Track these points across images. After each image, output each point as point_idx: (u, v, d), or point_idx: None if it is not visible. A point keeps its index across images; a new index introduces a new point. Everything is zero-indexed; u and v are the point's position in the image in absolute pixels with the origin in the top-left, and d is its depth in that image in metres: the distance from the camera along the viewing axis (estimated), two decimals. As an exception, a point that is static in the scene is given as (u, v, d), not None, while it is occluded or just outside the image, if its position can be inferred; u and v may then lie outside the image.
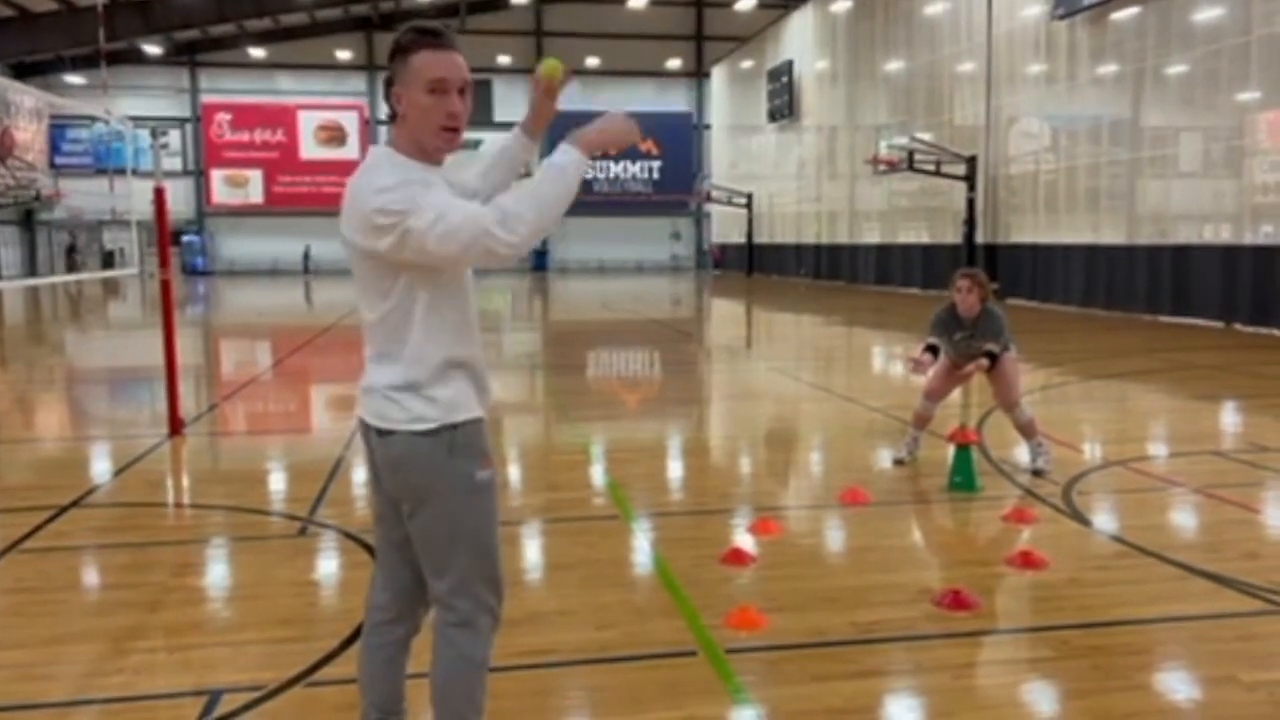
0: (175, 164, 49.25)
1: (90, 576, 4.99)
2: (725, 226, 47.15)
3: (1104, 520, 5.65)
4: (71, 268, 42.47)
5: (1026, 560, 4.73)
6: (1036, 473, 6.52)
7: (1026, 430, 6.70)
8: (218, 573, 4.96)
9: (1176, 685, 3.57)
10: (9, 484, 6.86)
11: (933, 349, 6.67)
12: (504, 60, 51.73)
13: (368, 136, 51.91)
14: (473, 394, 2.60)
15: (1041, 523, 5.50)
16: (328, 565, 5.02)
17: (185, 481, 7.07)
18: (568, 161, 2.46)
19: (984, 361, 6.43)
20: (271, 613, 4.26)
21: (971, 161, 24.45)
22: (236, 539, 5.44)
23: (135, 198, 14.10)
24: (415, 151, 2.50)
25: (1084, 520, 5.58)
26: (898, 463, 6.91)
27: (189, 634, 4.05)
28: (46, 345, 18.07)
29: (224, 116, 50.98)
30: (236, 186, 51.49)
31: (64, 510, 5.95)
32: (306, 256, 50.67)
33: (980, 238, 24.26)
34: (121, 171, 38.18)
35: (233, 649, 3.89)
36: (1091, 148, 21.35)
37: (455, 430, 2.53)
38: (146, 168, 10.24)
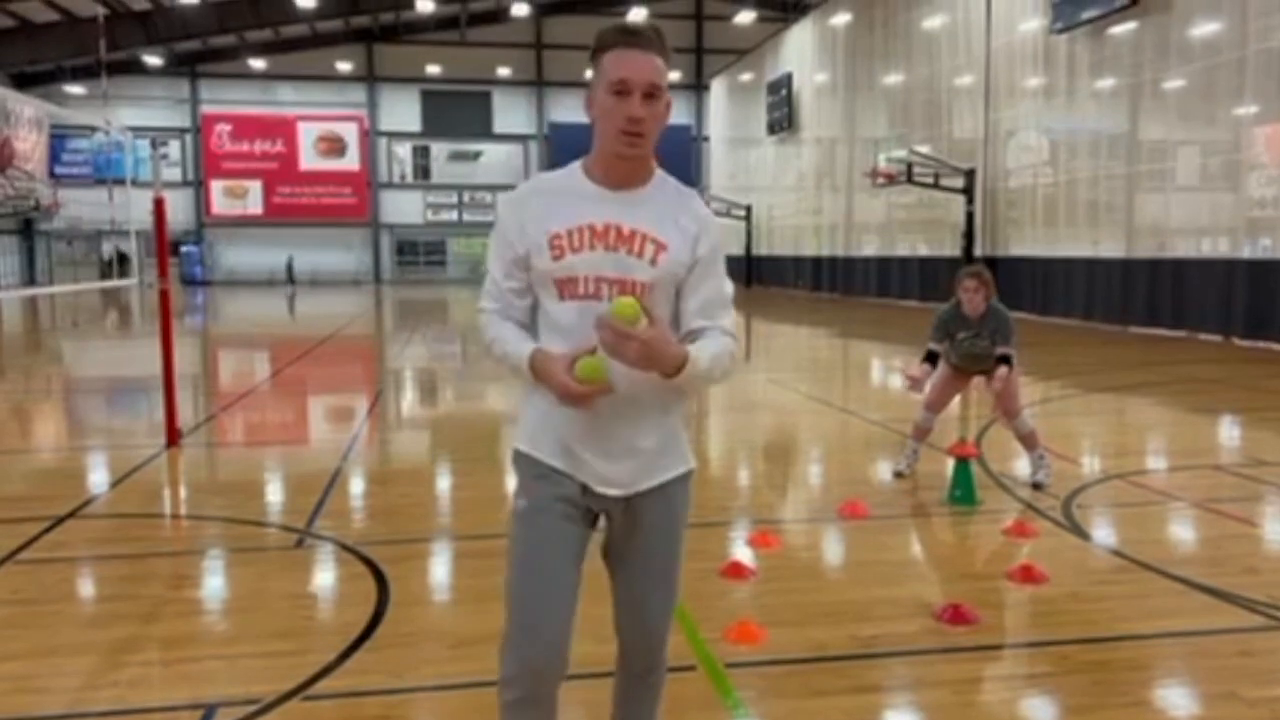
0: (175, 174, 49.33)
1: (86, 588, 4.96)
2: (724, 238, 46.91)
3: (1104, 534, 5.64)
4: (112, 275, 42.21)
5: (1027, 575, 4.72)
6: (1036, 486, 6.51)
7: (1028, 441, 6.67)
8: (214, 585, 4.94)
9: (1177, 701, 3.55)
10: (5, 494, 6.83)
11: (931, 358, 6.64)
12: (504, 72, 51.89)
13: (367, 148, 52.03)
14: (536, 427, 2.46)
15: (1042, 537, 5.48)
16: (325, 577, 4.99)
17: (182, 492, 7.05)
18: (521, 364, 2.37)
19: (1003, 370, 6.35)
20: (268, 625, 4.24)
21: (970, 174, 24.48)
22: (233, 550, 5.42)
23: (134, 208, 14.11)
24: (599, 160, 2.36)
25: (1084, 534, 5.56)
26: (898, 475, 6.89)
27: (185, 646, 4.03)
28: (44, 354, 18.05)
29: (224, 127, 51.07)
30: (236, 197, 51.54)
31: (60, 521, 5.92)
32: (290, 268, 50.58)
33: (979, 250, 24.27)
34: (121, 182, 38.20)
35: (229, 662, 3.87)
36: (1090, 161, 21.38)
37: (516, 456, 2.53)
38: (146, 178, 10.23)
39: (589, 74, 2.38)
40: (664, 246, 2.33)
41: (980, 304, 6.40)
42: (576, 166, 2.42)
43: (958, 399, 7.60)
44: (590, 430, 2.36)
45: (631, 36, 2.29)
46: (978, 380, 6.92)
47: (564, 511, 2.43)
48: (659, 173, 2.42)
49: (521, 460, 2.49)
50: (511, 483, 6.77)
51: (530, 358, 2.32)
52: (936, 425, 7.04)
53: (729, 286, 2.45)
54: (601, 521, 2.53)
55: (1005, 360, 6.37)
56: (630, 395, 2.31)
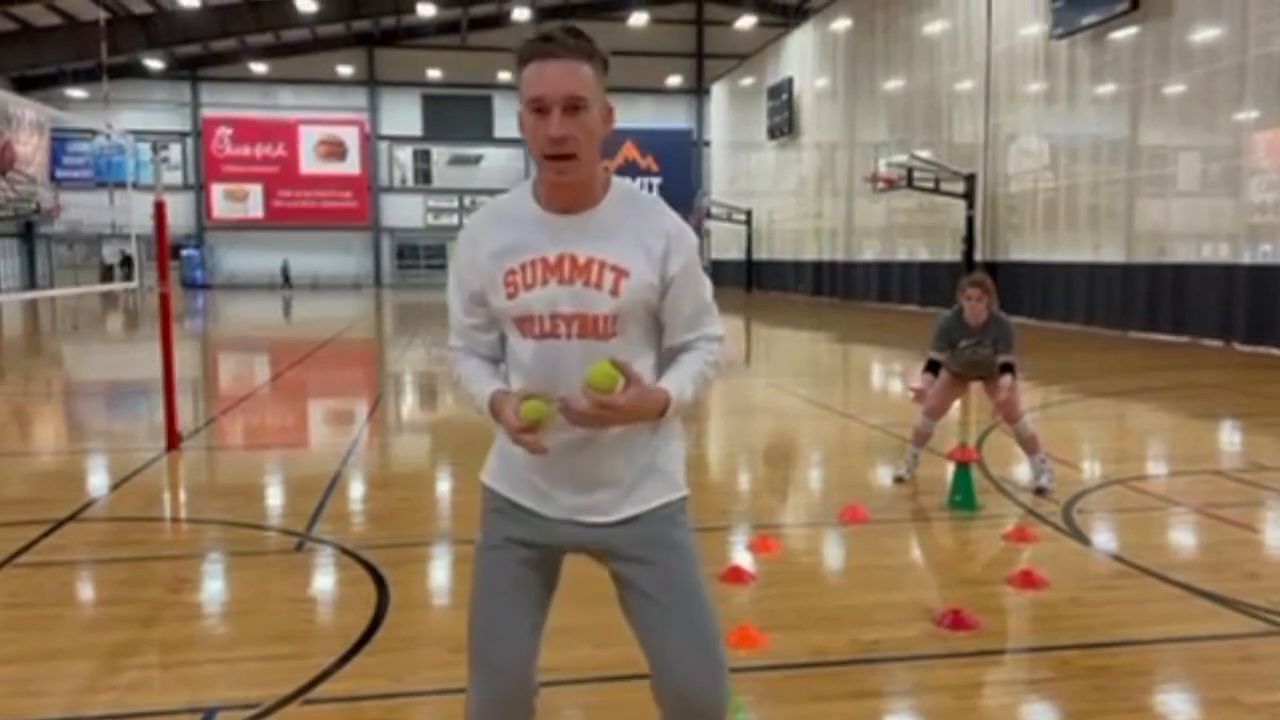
0: (176, 178, 49.37)
1: (85, 591, 4.96)
2: (725, 243, 47.21)
3: (1104, 539, 5.63)
4: (126, 277, 42.20)
5: (1027, 580, 4.71)
6: (1039, 491, 6.50)
7: (1029, 446, 6.66)
8: (214, 588, 4.94)
9: (1178, 707, 3.54)
10: (5, 497, 6.83)
11: (933, 367, 6.65)
12: (505, 76, 51.87)
13: (368, 152, 52.08)
14: (500, 460, 2.38)
15: (1042, 542, 5.48)
16: (325, 581, 4.99)
17: (182, 496, 7.05)
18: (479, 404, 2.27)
19: (1007, 379, 6.34)
20: (267, 629, 4.23)
21: (970, 179, 24.50)
22: (233, 554, 5.42)
23: (135, 211, 14.13)
24: (541, 183, 2.19)
25: (1084, 539, 5.56)
26: (898, 480, 6.89)
27: (184, 650, 4.03)
28: (45, 357, 18.05)
29: (225, 131, 51.12)
30: (236, 201, 51.58)
31: (60, 524, 5.92)
32: (285, 271, 50.63)
33: (979, 255, 24.29)
34: (122, 185, 38.25)
35: (228, 665, 3.87)
36: (1090, 166, 21.39)
37: (481, 488, 2.45)
38: (147, 181, 10.24)
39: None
40: (625, 273, 2.14)
41: (982, 312, 6.39)
42: (526, 189, 2.23)
43: (957, 404, 7.59)
44: (555, 462, 2.21)
45: (544, 45, 2.09)
46: (977, 385, 6.92)
47: (520, 553, 2.30)
48: (616, 185, 2.22)
49: (484, 493, 2.40)
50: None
51: (490, 398, 2.22)
52: (936, 430, 7.04)
53: (708, 291, 2.29)
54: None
55: (1008, 369, 6.36)
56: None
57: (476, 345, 2.34)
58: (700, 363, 2.24)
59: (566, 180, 2.11)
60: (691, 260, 2.23)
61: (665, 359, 2.30)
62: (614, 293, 2.14)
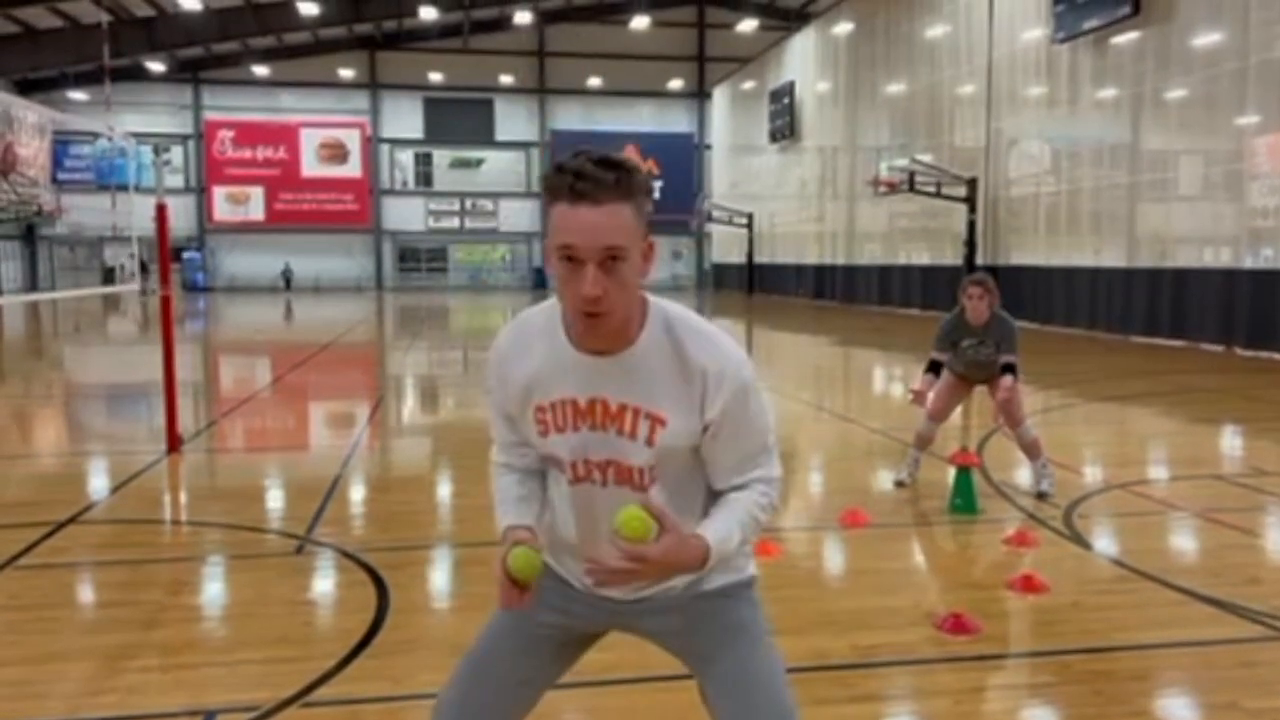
0: (177, 181, 49.37)
1: (85, 594, 4.96)
2: (726, 246, 47.22)
3: (1105, 544, 5.63)
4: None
5: (1028, 584, 4.71)
6: (1040, 495, 6.49)
7: (1031, 450, 6.65)
8: (214, 591, 4.94)
9: (1179, 712, 3.54)
10: (5, 499, 6.83)
11: (935, 368, 6.63)
12: (506, 80, 51.98)
13: (369, 154, 52.11)
14: (548, 539, 2.16)
15: (1043, 546, 5.47)
16: (324, 584, 4.99)
17: (182, 498, 7.05)
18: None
19: (1008, 379, 6.32)
20: (267, 632, 4.23)
21: (972, 183, 24.50)
22: (233, 557, 5.41)
23: (137, 214, 14.13)
24: (571, 322, 1.92)
25: (1085, 544, 5.55)
26: (899, 484, 6.88)
27: (184, 653, 4.02)
28: (46, 360, 18.06)
29: (226, 133, 51.14)
30: (238, 203, 51.60)
31: (60, 526, 5.92)
32: (287, 274, 50.70)
33: (981, 259, 24.29)
34: (124, 188, 38.22)
35: (228, 668, 3.87)
36: (1092, 170, 21.40)
37: None
38: (148, 184, 10.24)
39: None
40: (661, 421, 1.92)
41: (984, 312, 6.38)
42: (556, 317, 1.97)
43: (959, 408, 7.58)
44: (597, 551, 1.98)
45: (576, 183, 1.76)
46: (980, 389, 6.91)
47: (548, 620, 2.15)
48: (654, 315, 1.93)
49: None
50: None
51: (502, 535, 2.03)
52: (938, 434, 7.03)
53: (762, 431, 2.02)
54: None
55: (1009, 369, 6.35)
56: None
57: (519, 461, 2.14)
58: (750, 504, 2.00)
59: (600, 332, 1.86)
60: (737, 401, 1.94)
61: (712, 499, 2.08)
62: (649, 443, 1.94)
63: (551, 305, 1.99)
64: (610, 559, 1.81)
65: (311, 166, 51.85)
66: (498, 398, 2.07)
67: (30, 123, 39.25)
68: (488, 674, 2.15)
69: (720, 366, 1.92)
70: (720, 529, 1.93)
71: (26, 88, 44.52)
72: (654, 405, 1.92)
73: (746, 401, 1.96)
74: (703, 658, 2.11)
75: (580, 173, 1.76)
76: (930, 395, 6.65)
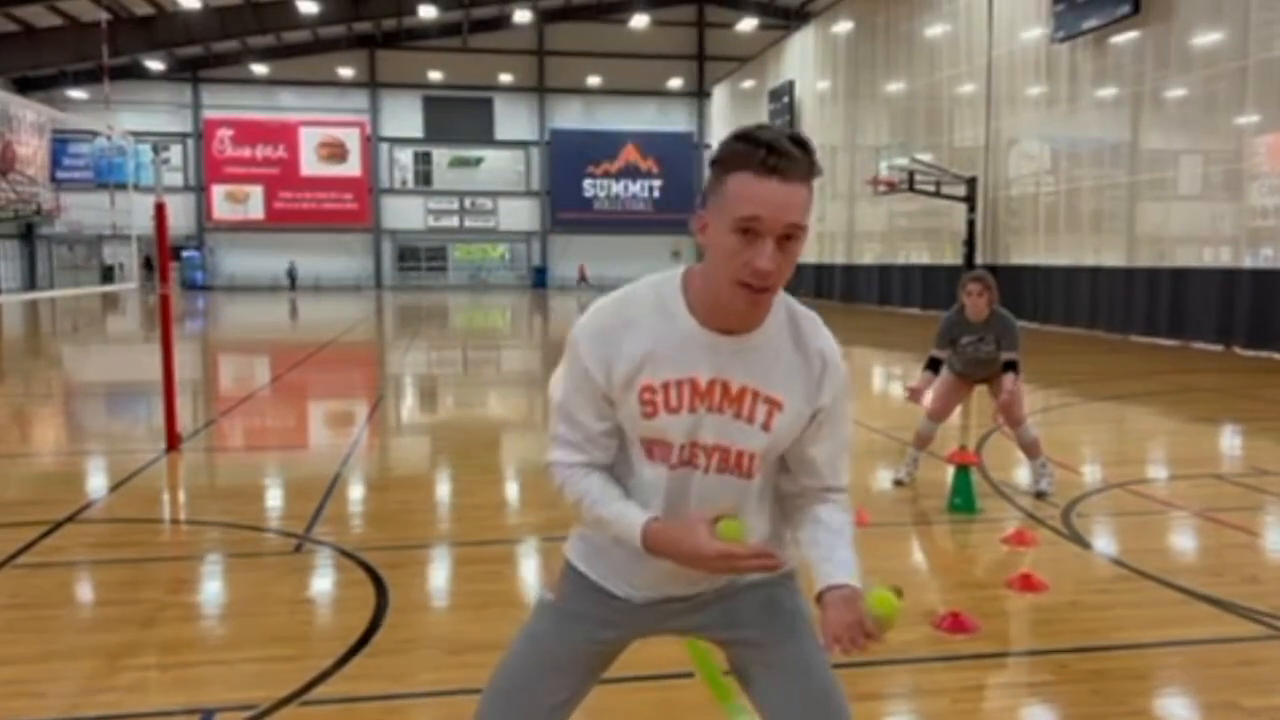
0: (176, 179, 49.41)
1: (84, 592, 4.95)
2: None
3: (1104, 543, 5.63)
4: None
5: (1026, 583, 4.71)
6: (1039, 495, 6.49)
7: (1030, 449, 6.64)
8: (212, 590, 4.93)
9: (1177, 711, 3.54)
10: (4, 498, 6.82)
11: (934, 365, 6.63)
12: (506, 79, 51.99)
13: (369, 153, 52.12)
14: (589, 550, 2.12)
15: (1041, 545, 5.47)
16: (323, 583, 4.99)
17: (181, 497, 7.04)
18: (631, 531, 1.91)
19: (1010, 379, 6.31)
20: (266, 630, 4.23)
21: (971, 183, 24.50)
22: (232, 556, 5.41)
23: (136, 213, 14.13)
24: (704, 297, 1.87)
25: (1084, 543, 5.55)
26: (897, 483, 6.88)
27: (183, 651, 4.02)
28: (44, 358, 18.05)
29: (225, 132, 51.16)
30: (237, 202, 51.62)
31: (59, 525, 5.92)
32: (292, 274, 50.71)
33: (980, 259, 24.29)
34: (122, 186, 38.23)
35: (227, 667, 3.86)
36: (1091, 170, 21.41)
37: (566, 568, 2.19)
38: (147, 183, 10.24)
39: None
40: (779, 405, 1.89)
41: (984, 308, 6.37)
42: (677, 290, 1.90)
43: (958, 408, 7.58)
44: (663, 576, 1.99)
45: (774, 158, 1.72)
46: (979, 389, 6.91)
47: (587, 633, 2.10)
48: (778, 302, 1.91)
49: (568, 569, 2.16)
50: (513, 489, 6.77)
51: (644, 531, 1.88)
52: (937, 433, 7.03)
53: (850, 431, 2.05)
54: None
55: (1011, 367, 6.35)
56: None
57: (599, 456, 1.99)
58: (849, 529, 2.01)
59: (758, 312, 1.84)
60: (843, 392, 1.97)
61: (784, 506, 2.07)
62: (765, 428, 1.90)
63: (661, 281, 1.94)
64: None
65: (311, 165, 51.88)
66: (596, 378, 1.90)
67: (29, 121, 39.26)
68: (524, 706, 2.08)
69: (833, 353, 1.95)
70: (850, 566, 1.97)
71: (25, 86, 44.51)
72: (772, 389, 1.89)
73: (847, 396, 1.99)
74: (754, 645, 2.08)
75: (774, 147, 1.73)
76: (928, 394, 6.65)
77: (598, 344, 1.90)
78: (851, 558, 1.96)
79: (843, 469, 2.03)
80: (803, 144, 1.76)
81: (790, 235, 1.75)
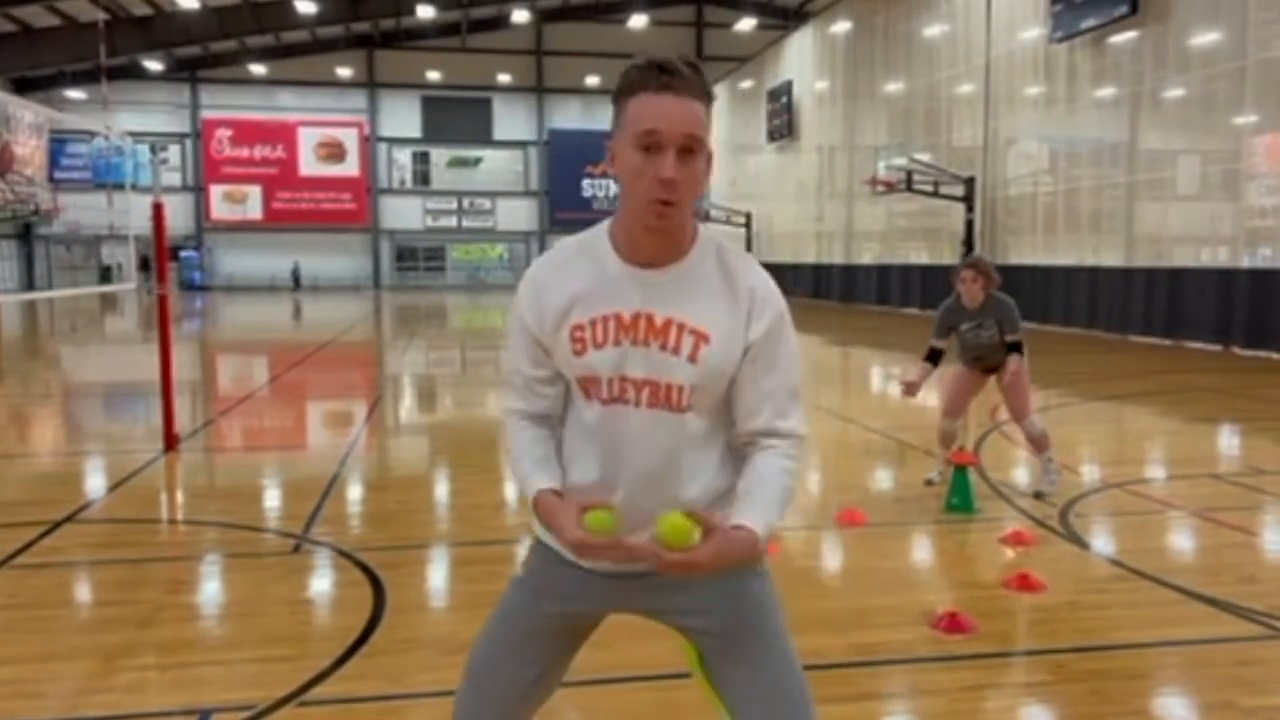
0: (174, 179, 49.41)
1: (82, 593, 4.95)
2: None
3: (1102, 543, 5.63)
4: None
5: (1024, 583, 4.71)
6: (1038, 495, 6.47)
7: (1038, 444, 6.62)
8: (211, 590, 4.93)
9: (1175, 710, 3.54)
10: (3, 499, 6.82)
11: (933, 356, 6.62)
12: (504, 79, 51.99)
13: (367, 153, 52.11)
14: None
15: (1039, 545, 5.48)
16: (321, 583, 4.99)
17: (179, 497, 7.04)
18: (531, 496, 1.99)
19: (1014, 360, 6.33)
20: (264, 631, 4.23)
21: (970, 183, 24.51)
22: (230, 556, 5.41)
23: (134, 213, 14.12)
24: (624, 229, 1.94)
25: (1082, 543, 5.56)
26: (928, 483, 6.82)
27: (181, 652, 4.02)
28: (42, 359, 18.04)
29: (224, 132, 51.15)
30: (235, 202, 51.60)
31: (57, 525, 5.92)
32: (296, 274, 50.69)
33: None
34: (121, 186, 38.26)
35: (225, 667, 3.86)
36: (1089, 170, 21.42)
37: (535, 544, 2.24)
38: (146, 183, 10.23)
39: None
40: (706, 337, 1.91)
41: (978, 294, 6.36)
42: (603, 233, 1.99)
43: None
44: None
45: (665, 76, 1.82)
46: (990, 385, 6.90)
47: (554, 606, 2.11)
48: (703, 237, 1.98)
49: (537, 544, 2.20)
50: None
51: (535, 499, 1.98)
52: (958, 429, 7.00)
53: (797, 372, 2.00)
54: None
55: (1014, 349, 6.34)
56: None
57: (539, 402, 2.07)
58: (781, 475, 1.95)
59: (666, 226, 1.87)
60: (776, 328, 1.96)
61: (736, 456, 2.04)
62: (692, 359, 1.91)
63: (590, 231, 2.02)
64: (645, 551, 1.79)
65: (309, 165, 51.88)
66: (530, 325, 2.00)
67: (27, 121, 39.26)
68: (498, 680, 2.12)
69: (766, 289, 1.97)
70: (762, 515, 1.88)
71: (23, 86, 44.48)
72: (699, 321, 1.91)
73: (784, 331, 1.98)
74: (719, 635, 2.07)
75: (665, 66, 1.82)
76: (922, 388, 6.63)
77: (530, 292, 2.00)
78: (765, 508, 1.90)
79: (788, 412, 1.98)
80: (693, 65, 1.85)
81: (690, 148, 1.82)
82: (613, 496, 1.96)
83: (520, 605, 2.15)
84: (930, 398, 12.24)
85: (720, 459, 2.03)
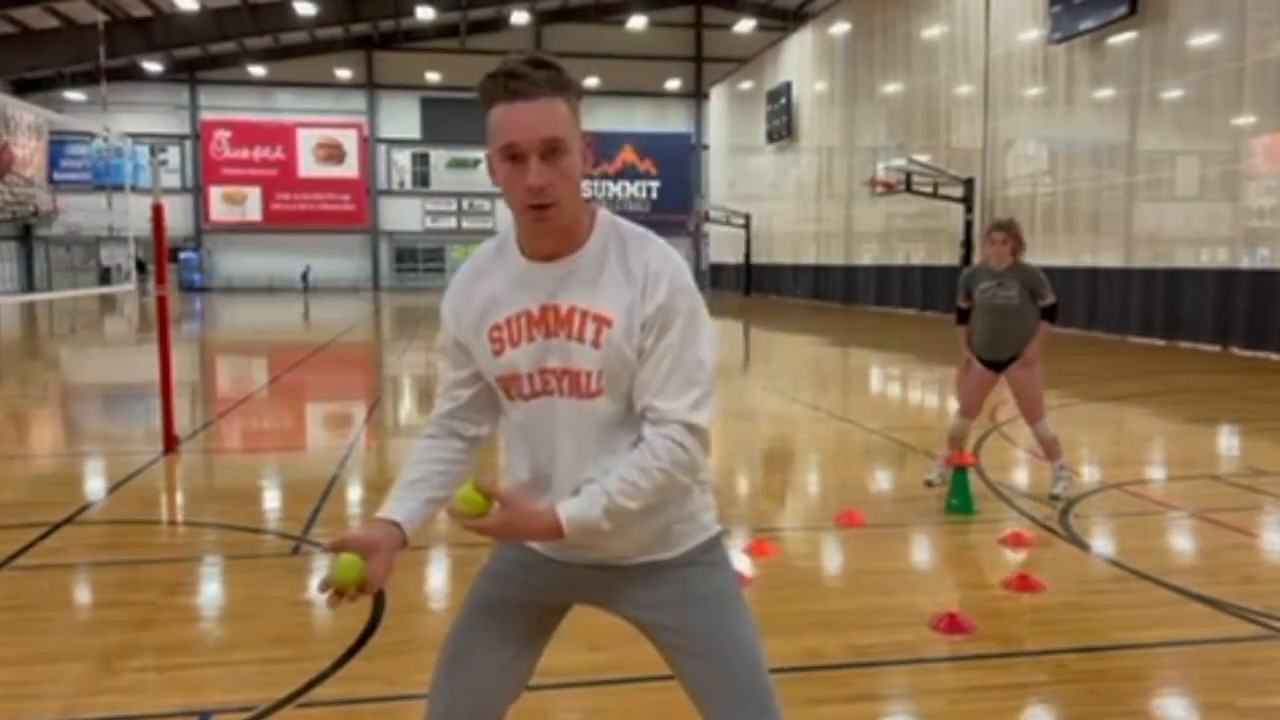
0: (174, 181, 49.33)
1: (82, 594, 4.95)
2: (723, 247, 47.24)
3: (1101, 544, 5.64)
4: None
5: (1023, 583, 4.71)
6: (1053, 498, 6.44)
7: (1050, 449, 6.61)
8: (210, 591, 4.93)
9: (1174, 711, 3.55)
10: (2, 500, 6.81)
11: (964, 317, 6.69)
12: (504, 80, 51.88)
13: (366, 155, 52.11)
14: None
15: (1039, 546, 5.48)
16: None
17: (179, 499, 7.04)
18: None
19: (1044, 326, 6.37)
20: (263, 632, 4.23)
21: (969, 184, 24.53)
22: (229, 557, 5.41)
23: (133, 214, 14.13)
24: (520, 229, 1.98)
25: (1081, 544, 5.56)
26: (928, 484, 6.83)
27: (180, 653, 4.03)
28: (42, 360, 18.04)
29: (223, 134, 51.12)
30: (234, 203, 51.58)
31: (57, 527, 5.92)
32: (305, 277, 50.59)
33: (978, 259, 24.32)
34: (120, 188, 38.24)
35: (224, 669, 3.87)
36: (1088, 171, 21.42)
37: None
38: (145, 184, 10.23)
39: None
40: (608, 320, 1.90)
41: (1006, 256, 6.39)
42: (509, 236, 2.03)
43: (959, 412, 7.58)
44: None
45: (510, 83, 1.83)
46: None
47: (517, 593, 2.15)
48: (602, 223, 1.98)
49: None
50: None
51: (376, 514, 2.07)
52: (971, 429, 7.01)
53: (699, 359, 1.93)
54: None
55: (1048, 314, 6.37)
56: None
57: (450, 405, 2.12)
58: (638, 468, 1.89)
59: (548, 228, 1.90)
60: (673, 302, 1.91)
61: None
62: (595, 344, 1.91)
63: (502, 233, 2.07)
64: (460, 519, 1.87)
65: (308, 167, 51.84)
66: (450, 327, 2.07)
67: (26, 123, 39.30)
68: (467, 670, 2.14)
69: (661, 264, 1.93)
70: (581, 503, 1.87)
71: (23, 88, 44.49)
72: (600, 305, 1.92)
73: (681, 307, 1.91)
74: (674, 630, 2.07)
75: (513, 73, 1.83)
76: (961, 392, 6.68)
77: (452, 297, 2.09)
78: (589, 497, 1.87)
79: (673, 392, 1.90)
80: (544, 63, 1.86)
81: (554, 150, 1.84)
82: (548, 494, 1.98)
83: (486, 593, 2.20)
84: (930, 398, 12.27)
85: (634, 445, 1.98)
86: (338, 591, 1.95)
